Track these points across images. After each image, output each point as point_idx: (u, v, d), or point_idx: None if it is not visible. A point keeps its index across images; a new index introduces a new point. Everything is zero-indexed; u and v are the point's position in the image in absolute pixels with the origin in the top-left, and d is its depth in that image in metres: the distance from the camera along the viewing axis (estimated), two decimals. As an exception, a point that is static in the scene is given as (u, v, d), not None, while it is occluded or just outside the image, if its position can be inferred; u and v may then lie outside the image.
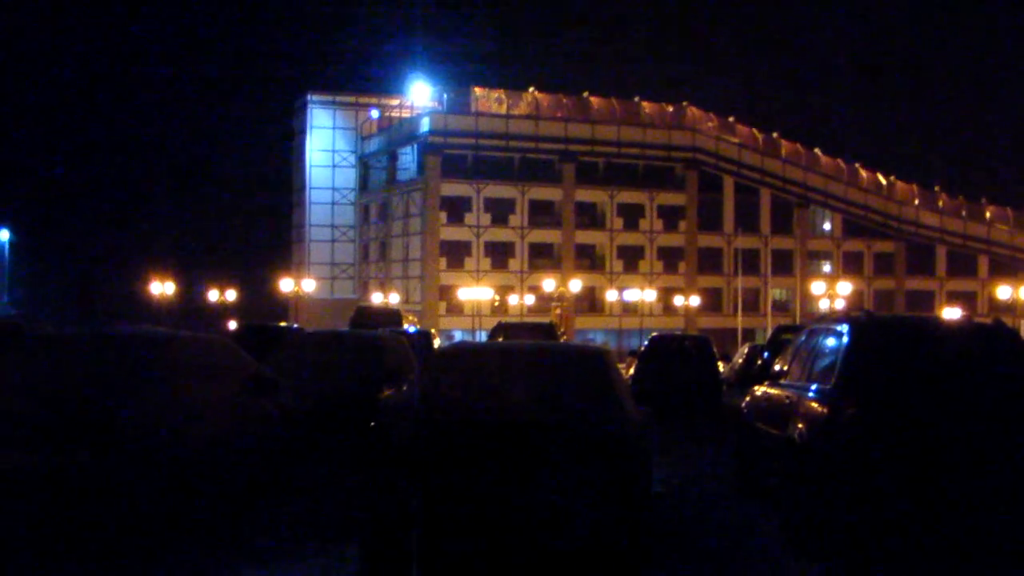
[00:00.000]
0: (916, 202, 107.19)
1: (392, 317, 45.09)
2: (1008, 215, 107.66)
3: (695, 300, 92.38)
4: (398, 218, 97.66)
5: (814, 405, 11.67)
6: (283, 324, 40.72)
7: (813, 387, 12.03)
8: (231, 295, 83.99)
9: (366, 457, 10.81)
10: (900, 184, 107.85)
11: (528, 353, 12.56)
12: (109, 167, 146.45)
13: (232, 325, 58.01)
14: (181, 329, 14.76)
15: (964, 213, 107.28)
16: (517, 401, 10.52)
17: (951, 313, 79.72)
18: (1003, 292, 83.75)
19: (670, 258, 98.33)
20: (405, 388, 13.25)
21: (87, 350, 11.35)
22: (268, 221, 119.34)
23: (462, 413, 10.28)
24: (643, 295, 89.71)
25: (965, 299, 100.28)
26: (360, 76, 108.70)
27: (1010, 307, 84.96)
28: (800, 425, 11.76)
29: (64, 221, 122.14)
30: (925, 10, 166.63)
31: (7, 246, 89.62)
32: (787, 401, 12.78)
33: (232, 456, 11.74)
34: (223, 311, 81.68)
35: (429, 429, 9.85)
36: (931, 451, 10.54)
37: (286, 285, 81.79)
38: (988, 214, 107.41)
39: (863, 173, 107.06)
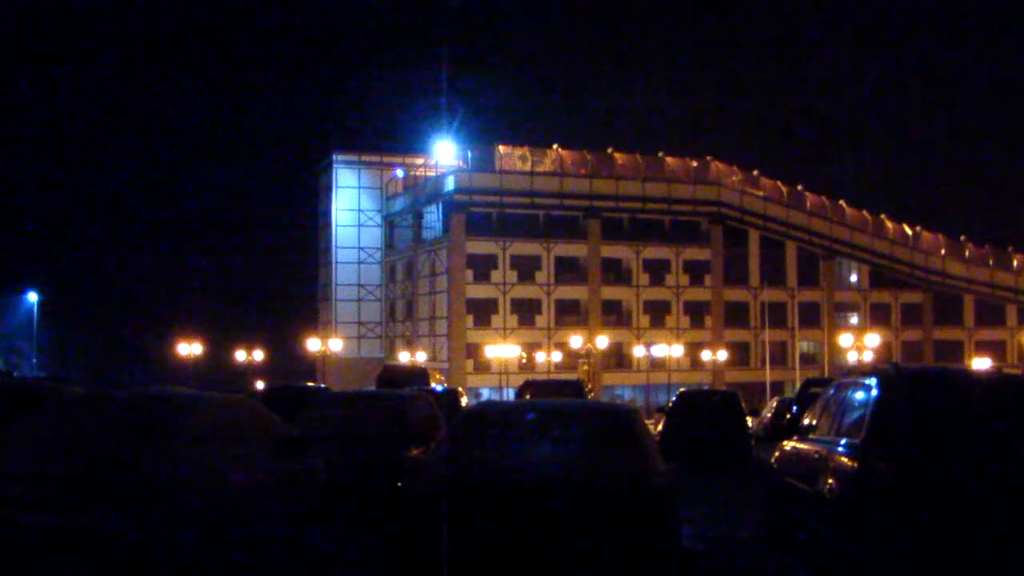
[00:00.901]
0: (942, 252, 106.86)
1: (419, 376, 45.00)
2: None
3: (722, 354, 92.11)
4: (424, 276, 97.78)
5: (844, 459, 11.59)
6: (310, 384, 40.80)
7: (843, 441, 11.95)
8: (258, 355, 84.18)
9: (393, 518, 10.77)
10: (926, 234, 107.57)
11: (556, 412, 12.53)
12: (136, 227, 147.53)
13: (260, 385, 58.14)
14: (209, 390, 14.79)
15: (991, 262, 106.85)
16: (545, 460, 10.49)
17: (980, 363, 79.36)
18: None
19: (697, 313, 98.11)
20: (432, 448, 13.23)
21: (115, 411, 11.38)
22: (295, 280, 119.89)
23: (489, 473, 10.24)
24: (670, 350, 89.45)
25: (994, 349, 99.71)
26: (385, 136, 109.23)
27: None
28: (830, 480, 11.68)
29: (92, 282, 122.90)
30: (949, 59, 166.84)
31: (36, 307, 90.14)
32: (817, 456, 12.70)
33: (260, 518, 11.71)
34: (250, 371, 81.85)
35: (455, 489, 9.81)
36: (963, 506, 10.44)
37: (313, 344, 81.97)
38: (1015, 262, 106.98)
39: (889, 224, 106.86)
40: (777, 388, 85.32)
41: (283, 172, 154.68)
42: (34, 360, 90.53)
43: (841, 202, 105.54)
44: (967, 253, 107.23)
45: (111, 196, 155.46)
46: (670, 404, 34.39)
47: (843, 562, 11.03)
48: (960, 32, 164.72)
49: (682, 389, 37.85)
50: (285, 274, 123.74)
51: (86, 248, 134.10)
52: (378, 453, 16.05)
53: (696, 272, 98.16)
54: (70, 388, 16.63)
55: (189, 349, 76.58)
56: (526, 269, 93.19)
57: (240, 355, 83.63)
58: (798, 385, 49.75)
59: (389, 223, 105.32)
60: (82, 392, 12.61)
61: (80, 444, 10.44)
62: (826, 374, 78.42)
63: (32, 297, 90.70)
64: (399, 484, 10.67)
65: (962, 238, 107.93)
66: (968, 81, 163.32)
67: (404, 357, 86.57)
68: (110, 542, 9.39)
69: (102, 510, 9.44)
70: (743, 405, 32.77)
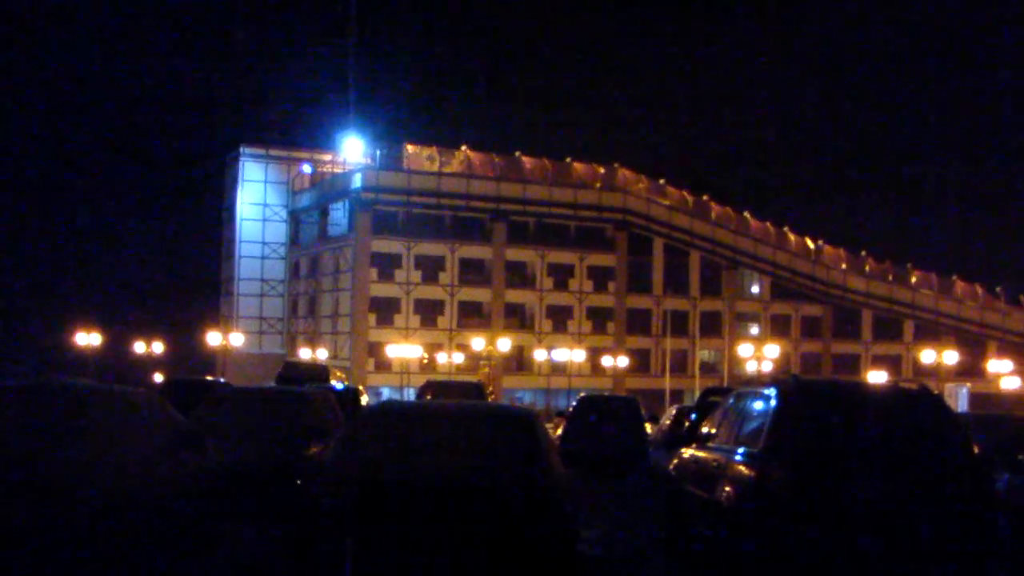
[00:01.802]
0: (843, 266, 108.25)
1: (320, 373, 44.69)
2: (932, 280, 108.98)
3: (623, 361, 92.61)
4: (328, 274, 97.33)
5: (742, 468, 11.69)
6: (210, 378, 40.36)
7: (741, 450, 12.06)
8: (158, 347, 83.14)
9: (290, 516, 10.69)
10: (828, 248, 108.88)
11: (455, 414, 12.51)
12: (34, 214, 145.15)
13: (159, 378, 57.47)
14: (106, 382, 14.59)
15: (890, 278, 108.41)
16: (442, 462, 10.46)
17: (877, 377, 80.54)
18: (927, 356, 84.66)
19: (599, 318, 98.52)
20: (330, 446, 13.16)
21: (11, 402, 11.16)
22: (197, 273, 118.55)
23: (385, 474, 10.19)
24: (572, 355, 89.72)
25: (890, 363, 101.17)
26: (293, 131, 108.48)
27: (933, 371, 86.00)
28: (728, 488, 11.77)
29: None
30: (852, 70, 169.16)
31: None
32: (715, 464, 12.80)
33: (156, 511, 11.56)
34: (150, 364, 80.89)
35: (352, 489, 9.75)
36: (857, 515, 10.58)
37: (214, 339, 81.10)
38: (913, 279, 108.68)
39: (792, 237, 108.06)
40: (677, 396, 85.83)
41: (189, 164, 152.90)
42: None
43: (746, 213, 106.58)
44: (867, 268, 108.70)
45: (7, 180, 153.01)
46: (570, 409, 34.50)
47: (740, 569, 11.11)
48: (871, 45, 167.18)
49: (582, 394, 37.94)
50: (188, 267, 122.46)
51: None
52: (277, 450, 15.92)
53: (600, 278, 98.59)
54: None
55: (87, 339, 75.41)
56: (430, 269, 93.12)
57: (139, 347, 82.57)
58: (697, 393, 50.10)
59: (295, 219, 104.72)
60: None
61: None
62: (726, 383, 79.07)
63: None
64: (297, 482, 10.58)
65: (863, 253, 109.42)
66: (874, 96, 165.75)
67: (306, 354, 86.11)
68: (4, 538, 9.22)
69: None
70: (643, 412, 32.94)
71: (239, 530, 13.95)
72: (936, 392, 13.00)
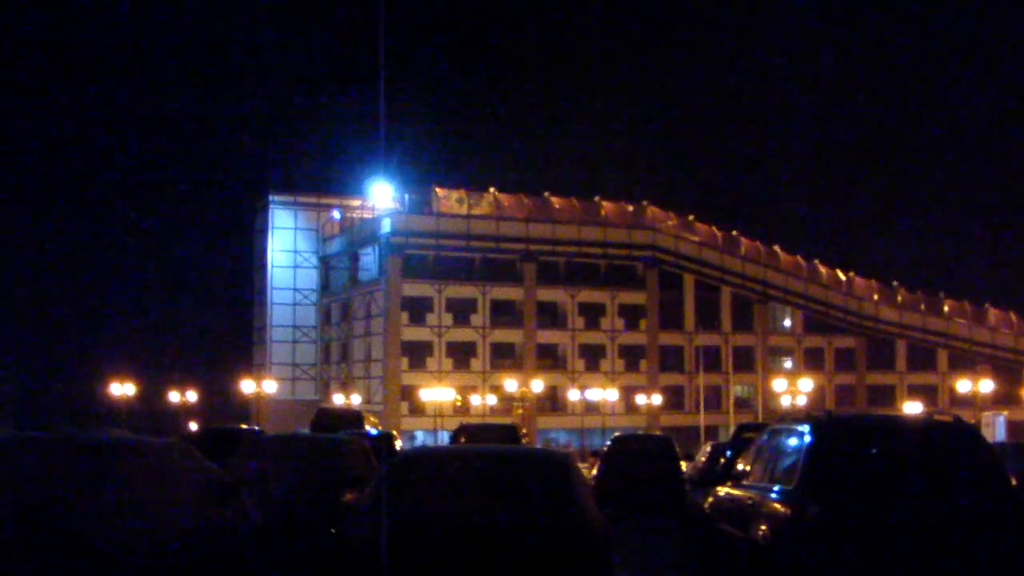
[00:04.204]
0: (875, 297, 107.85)
1: (353, 419, 44.71)
2: (965, 309, 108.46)
3: (657, 398, 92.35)
4: (359, 319, 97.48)
5: (777, 506, 11.65)
6: (244, 426, 40.51)
7: (776, 488, 12.02)
8: (192, 396, 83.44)
9: (327, 563, 10.70)
10: (859, 280, 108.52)
11: (489, 457, 12.52)
12: (69, 266, 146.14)
13: (193, 427, 57.63)
14: (141, 431, 14.65)
15: (923, 307, 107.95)
16: (478, 507, 10.47)
17: (912, 408, 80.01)
18: (962, 386, 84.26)
19: (632, 357, 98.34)
20: (366, 493, 13.18)
21: (42, 454, 11.21)
22: (230, 321, 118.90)
23: (422, 520, 10.21)
24: (605, 394, 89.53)
25: (925, 393, 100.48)
26: (322, 177, 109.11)
27: (969, 400, 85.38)
28: (763, 526, 11.73)
29: (22, 319, 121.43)
30: (883, 106, 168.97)
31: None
32: (750, 502, 12.75)
33: (190, 563, 11.57)
34: (184, 412, 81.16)
35: (389, 535, 9.76)
36: (894, 551, 10.52)
37: (247, 386, 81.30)
38: (946, 308, 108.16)
39: (822, 269, 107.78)
40: (711, 432, 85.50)
41: (219, 212, 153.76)
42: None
43: (775, 247, 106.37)
44: (899, 298, 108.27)
45: (43, 235, 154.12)
46: (605, 448, 34.42)
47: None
48: (897, 75, 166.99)
49: (617, 433, 37.90)
50: (220, 315, 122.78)
51: (18, 284, 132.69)
52: (312, 497, 15.95)
53: (631, 316, 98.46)
54: (3, 432, 16.41)
55: (121, 389, 75.78)
56: (462, 312, 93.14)
57: (174, 396, 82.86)
58: (732, 429, 49.92)
59: (325, 264, 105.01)
60: (12, 435, 12.42)
61: (8, 490, 10.29)
62: (760, 418, 78.83)
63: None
64: (333, 529, 10.60)
65: (894, 283, 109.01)
66: (901, 128, 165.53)
67: (339, 399, 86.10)
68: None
69: (29, 559, 9.30)
70: (677, 449, 32.85)
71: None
72: (971, 423, 12.94)
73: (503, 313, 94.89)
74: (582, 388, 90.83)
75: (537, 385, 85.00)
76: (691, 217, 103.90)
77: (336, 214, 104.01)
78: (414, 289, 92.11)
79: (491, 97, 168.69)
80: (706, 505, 15.44)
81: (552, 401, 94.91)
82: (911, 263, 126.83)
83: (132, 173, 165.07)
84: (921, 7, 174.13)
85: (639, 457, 30.43)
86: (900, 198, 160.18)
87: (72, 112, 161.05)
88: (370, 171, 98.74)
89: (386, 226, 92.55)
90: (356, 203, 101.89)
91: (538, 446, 60.18)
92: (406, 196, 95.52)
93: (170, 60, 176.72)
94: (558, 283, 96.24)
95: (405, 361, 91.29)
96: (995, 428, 75.89)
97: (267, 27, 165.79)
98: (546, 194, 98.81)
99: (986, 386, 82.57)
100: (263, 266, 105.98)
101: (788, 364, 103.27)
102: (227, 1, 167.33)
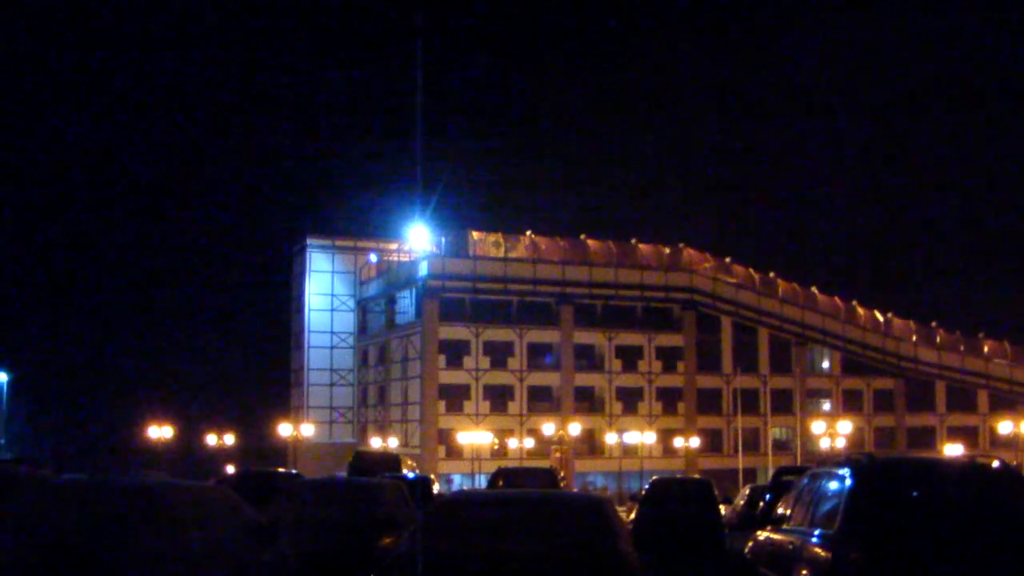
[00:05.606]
0: (914, 338, 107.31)
1: (391, 462, 44.70)
2: (1006, 349, 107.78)
3: (695, 441, 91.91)
4: (397, 362, 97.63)
5: (818, 550, 11.58)
6: (281, 470, 40.57)
7: (816, 532, 11.95)
8: (229, 439, 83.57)
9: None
10: (897, 320, 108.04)
11: (529, 502, 12.51)
12: (108, 310, 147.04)
13: (230, 470, 57.66)
14: (180, 474, 14.72)
15: (962, 348, 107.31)
16: (517, 551, 10.45)
17: (953, 449, 79.44)
18: (1004, 427, 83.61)
19: (669, 399, 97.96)
20: (404, 537, 13.17)
21: (84, 498, 11.27)
22: (267, 364, 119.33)
23: (462, 565, 10.19)
24: (643, 437, 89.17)
25: (966, 434, 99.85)
26: (359, 220, 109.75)
27: (1011, 442, 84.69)
28: (804, 571, 11.66)
29: (62, 363, 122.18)
30: (918, 148, 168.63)
31: (4, 388, 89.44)
32: (790, 546, 12.69)
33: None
34: (221, 455, 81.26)
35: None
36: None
37: (285, 429, 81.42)
38: (986, 348, 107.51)
39: (860, 311, 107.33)
40: (750, 475, 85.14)
41: (256, 256, 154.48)
42: (2, 441, 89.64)
43: (813, 288, 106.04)
44: (938, 339, 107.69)
45: (83, 277, 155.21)
46: (643, 492, 34.29)
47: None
48: (938, 116, 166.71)
49: (655, 477, 37.72)
50: (257, 358, 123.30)
51: (57, 328, 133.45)
52: (350, 542, 15.97)
53: (668, 358, 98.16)
54: (43, 474, 16.54)
55: (160, 432, 75.96)
56: (499, 355, 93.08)
57: (211, 439, 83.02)
58: (771, 472, 49.66)
59: (362, 308, 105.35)
60: (54, 479, 12.52)
61: (48, 531, 10.34)
62: (799, 461, 78.44)
63: (1, 377, 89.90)
64: (371, 575, 10.59)
65: (933, 324, 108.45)
66: (940, 168, 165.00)
67: (376, 443, 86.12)
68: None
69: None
70: (716, 493, 32.70)
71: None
72: (1014, 465, 12.83)
73: (540, 356, 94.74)
74: (619, 431, 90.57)
75: (574, 428, 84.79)
76: (728, 259, 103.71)
77: (373, 257, 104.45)
78: (451, 332, 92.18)
79: (528, 141, 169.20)
80: (746, 549, 15.37)
81: (589, 444, 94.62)
82: (949, 304, 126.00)
83: (172, 217, 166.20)
84: (968, 50, 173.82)
85: (677, 501, 30.30)
86: (938, 239, 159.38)
87: (116, 158, 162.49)
88: (407, 215, 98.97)
89: (423, 269, 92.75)
90: (393, 246, 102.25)
91: (575, 490, 60.04)
92: (443, 239, 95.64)
93: (208, 105, 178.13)
94: (595, 326, 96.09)
95: (442, 404, 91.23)
96: (1037, 470, 75.01)
97: (306, 73, 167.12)
98: (582, 236, 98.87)
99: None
100: (300, 309, 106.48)
101: (826, 406, 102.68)
102: (267, 47, 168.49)
